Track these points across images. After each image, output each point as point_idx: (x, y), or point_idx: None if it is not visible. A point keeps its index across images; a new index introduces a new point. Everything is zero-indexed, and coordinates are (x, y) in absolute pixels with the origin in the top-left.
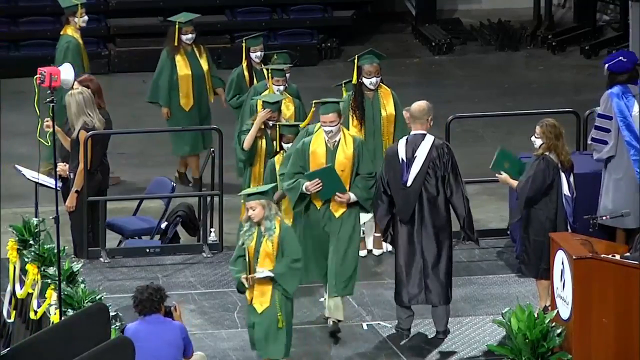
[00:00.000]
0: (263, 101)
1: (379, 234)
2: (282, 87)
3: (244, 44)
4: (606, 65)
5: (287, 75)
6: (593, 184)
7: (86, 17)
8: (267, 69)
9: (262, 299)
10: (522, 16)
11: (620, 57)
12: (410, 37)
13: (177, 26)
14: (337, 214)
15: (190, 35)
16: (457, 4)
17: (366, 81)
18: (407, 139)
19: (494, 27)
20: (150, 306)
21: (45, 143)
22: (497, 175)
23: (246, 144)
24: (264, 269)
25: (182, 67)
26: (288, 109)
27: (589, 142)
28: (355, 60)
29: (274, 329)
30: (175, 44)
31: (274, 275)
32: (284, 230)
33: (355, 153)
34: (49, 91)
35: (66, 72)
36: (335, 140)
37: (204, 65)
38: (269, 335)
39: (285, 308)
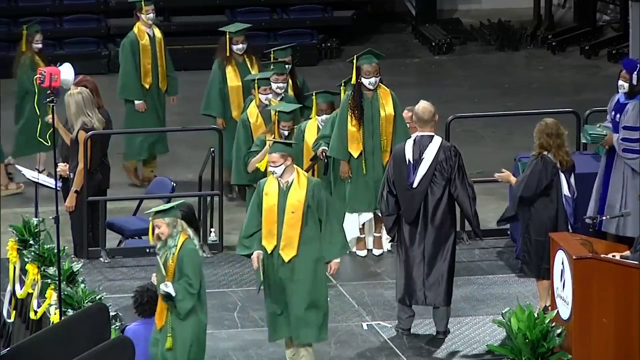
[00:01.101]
0: (278, 111)
1: (379, 234)
2: (270, 96)
3: (272, 55)
4: (634, 74)
5: (284, 84)
6: (592, 184)
7: (152, 15)
8: (254, 79)
9: (160, 315)
10: (522, 16)
11: None
12: (410, 37)
13: (227, 36)
14: (286, 258)
15: (240, 46)
16: (457, 4)
17: (365, 81)
18: (414, 140)
19: (494, 27)
20: (149, 309)
21: (45, 143)
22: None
23: (250, 167)
24: (168, 283)
25: (233, 78)
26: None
27: (626, 154)
28: (354, 61)
29: (165, 349)
30: (227, 54)
31: (173, 294)
32: (183, 250)
33: (309, 195)
34: (49, 91)
35: (66, 72)
36: (288, 181)
37: None
38: (165, 355)
39: (182, 330)
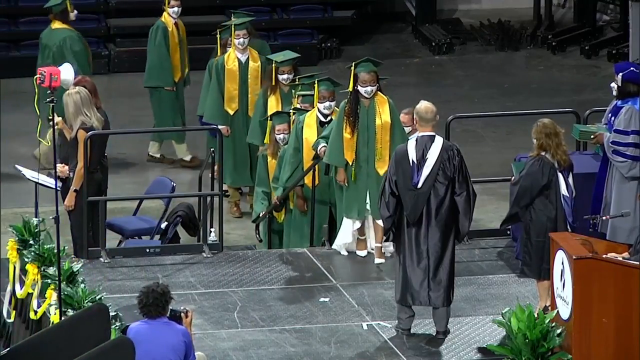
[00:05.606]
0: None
1: (379, 244)
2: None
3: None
4: (619, 74)
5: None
6: (593, 184)
7: (242, 40)
8: (299, 96)
9: None
10: (522, 16)
11: (632, 68)
12: (410, 37)
13: (273, 65)
14: None
15: (286, 76)
16: (457, 4)
17: (361, 89)
18: (416, 140)
19: (494, 27)
20: (155, 310)
21: (45, 143)
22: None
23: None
24: None
25: (273, 108)
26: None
27: (615, 157)
28: (352, 68)
29: None
30: (273, 83)
31: None
32: None
33: None
34: (49, 91)
35: (66, 72)
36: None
37: None
38: None
39: None
